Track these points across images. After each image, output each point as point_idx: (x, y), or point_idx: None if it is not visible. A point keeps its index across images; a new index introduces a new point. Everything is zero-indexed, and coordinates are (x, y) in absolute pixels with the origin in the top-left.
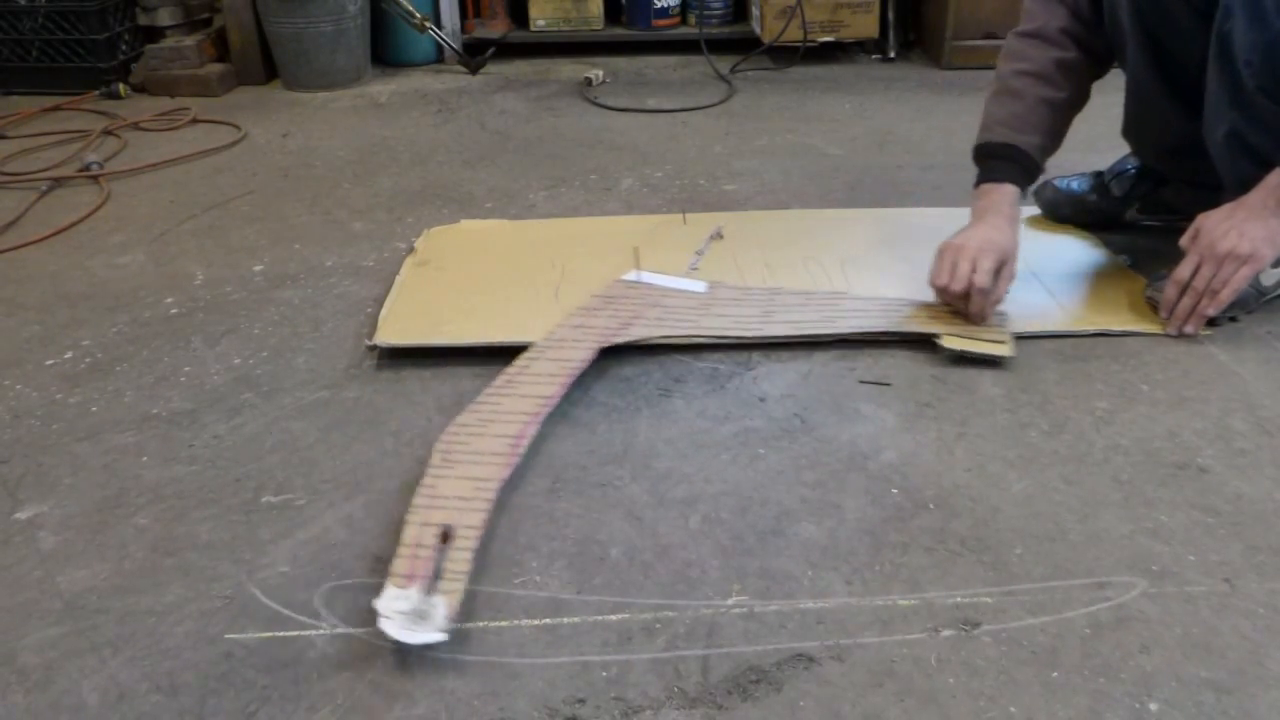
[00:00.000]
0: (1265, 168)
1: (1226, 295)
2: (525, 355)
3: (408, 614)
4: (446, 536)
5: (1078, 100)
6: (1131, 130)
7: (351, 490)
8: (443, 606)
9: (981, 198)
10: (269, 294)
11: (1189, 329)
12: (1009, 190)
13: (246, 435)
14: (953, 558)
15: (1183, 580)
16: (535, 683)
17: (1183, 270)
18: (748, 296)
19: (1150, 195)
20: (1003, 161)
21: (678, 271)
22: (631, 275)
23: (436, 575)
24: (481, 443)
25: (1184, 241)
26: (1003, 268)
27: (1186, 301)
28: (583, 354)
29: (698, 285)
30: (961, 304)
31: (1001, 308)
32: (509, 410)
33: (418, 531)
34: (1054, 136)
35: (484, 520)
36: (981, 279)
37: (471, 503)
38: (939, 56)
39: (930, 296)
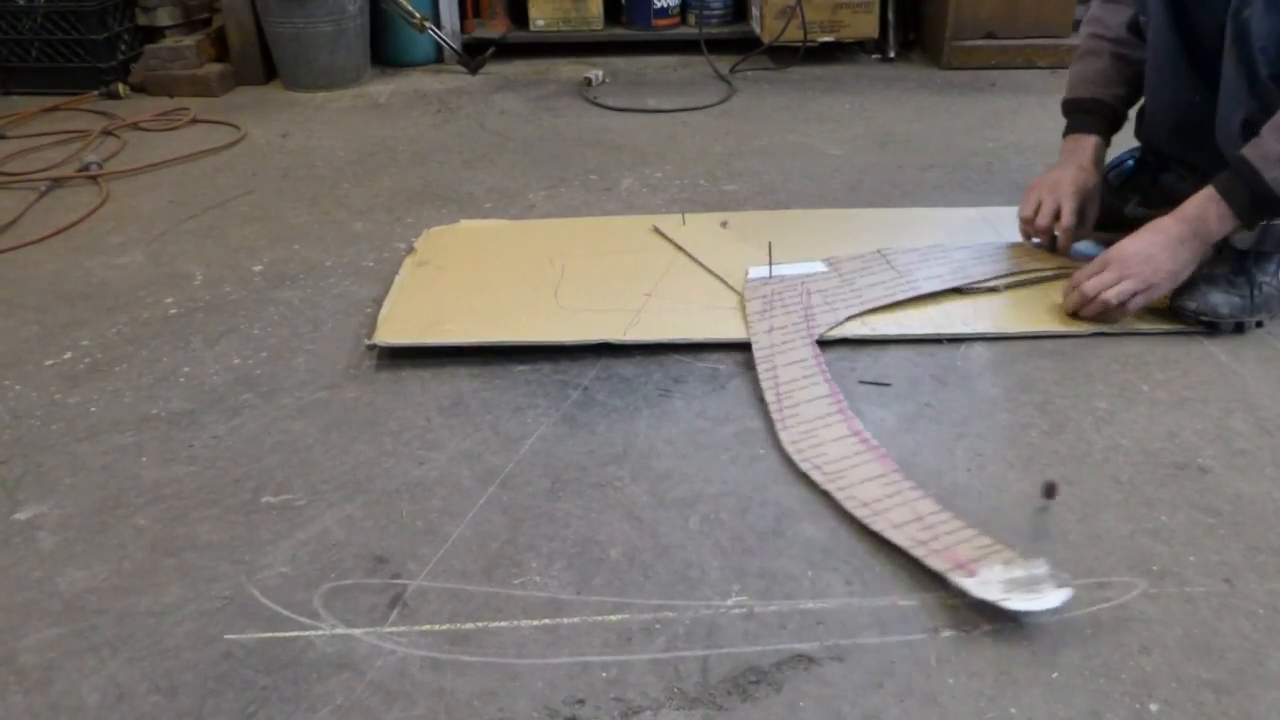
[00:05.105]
0: None
1: (1116, 316)
2: (761, 371)
3: (1014, 589)
4: (1051, 491)
5: None
6: (1147, 105)
7: (351, 490)
8: (1041, 565)
9: (1068, 145)
10: (269, 294)
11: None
12: (1092, 139)
13: (246, 435)
14: None
15: (1183, 580)
16: (535, 683)
17: (1083, 275)
18: (869, 264)
19: (1150, 185)
20: (1085, 114)
21: (789, 260)
22: (760, 271)
23: (1038, 536)
24: (832, 448)
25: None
26: (1086, 206)
27: (1092, 308)
28: (810, 351)
29: (818, 266)
30: (1045, 238)
31: (1082, 247)
32: (812, 417)
33: (903, 534)
34: (1133, 87)
35: (934, 502)
36: (1067, 219)
37: (903, 494)
38: (939, 56)
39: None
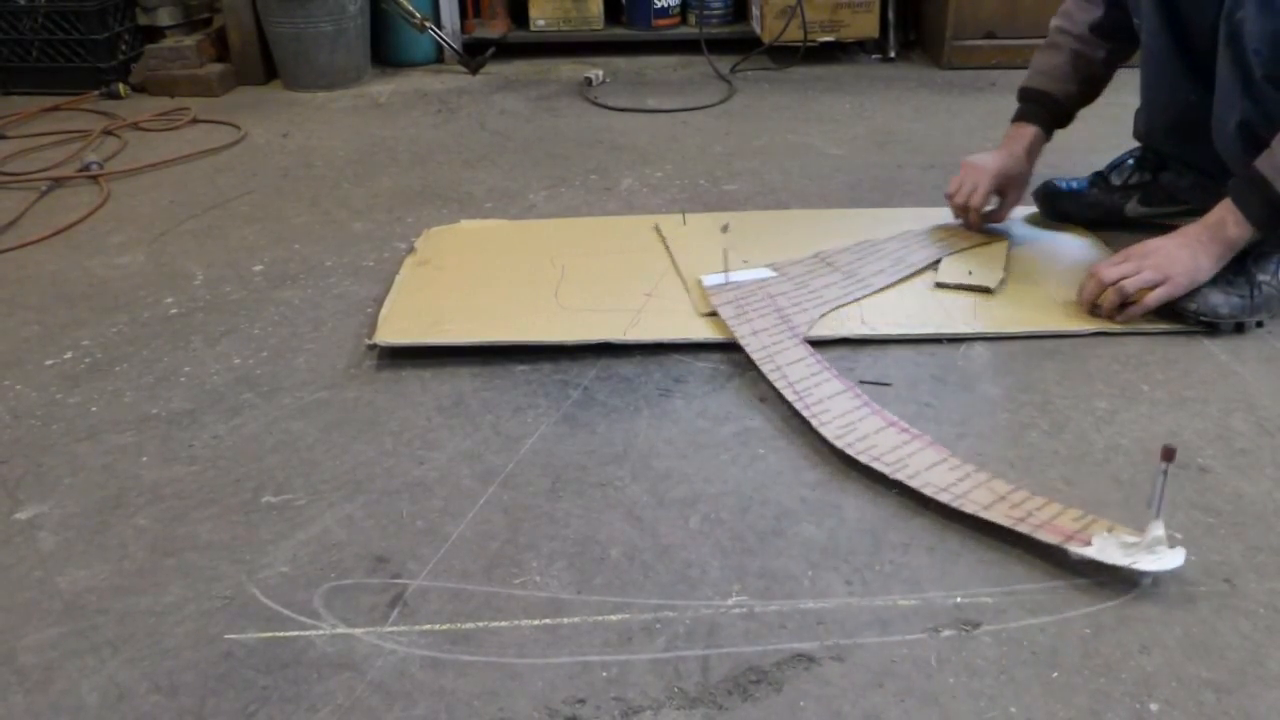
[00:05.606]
0: None
1: (1136, 312)
2: (767, 370)
3: (1134, 552)
4: (1170, 454)
5: (1115, 56)
6: (1144, 106)
7: (351, 490)
8: (1159, 527)
9: (1010, 131)
10: (269, 294)
11: (1098, 312)
12: (1032, 129)
13: (246, 435)
14: (953, 558)
15: (1183, 580)
16: (535, 683)
17: (1101, 266)
18: (814, 267)
19: (1150, 184)
20: (1033, 105)
21: (739, 266)
22: (717, 278)
23: (1157, 499)
24: (878, 440)
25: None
26: (1007, 190)
27: (1110, 296)
28: (805, 349)
29: (766, 272)
30: (962, 215)
31: (1004, 228)
32: (844, 411)
33: (997, 513)
34: (1089, 85)
35: (1005, 482)
36: (977, 199)
37: (972, 475)
38: (939, 56)
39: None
